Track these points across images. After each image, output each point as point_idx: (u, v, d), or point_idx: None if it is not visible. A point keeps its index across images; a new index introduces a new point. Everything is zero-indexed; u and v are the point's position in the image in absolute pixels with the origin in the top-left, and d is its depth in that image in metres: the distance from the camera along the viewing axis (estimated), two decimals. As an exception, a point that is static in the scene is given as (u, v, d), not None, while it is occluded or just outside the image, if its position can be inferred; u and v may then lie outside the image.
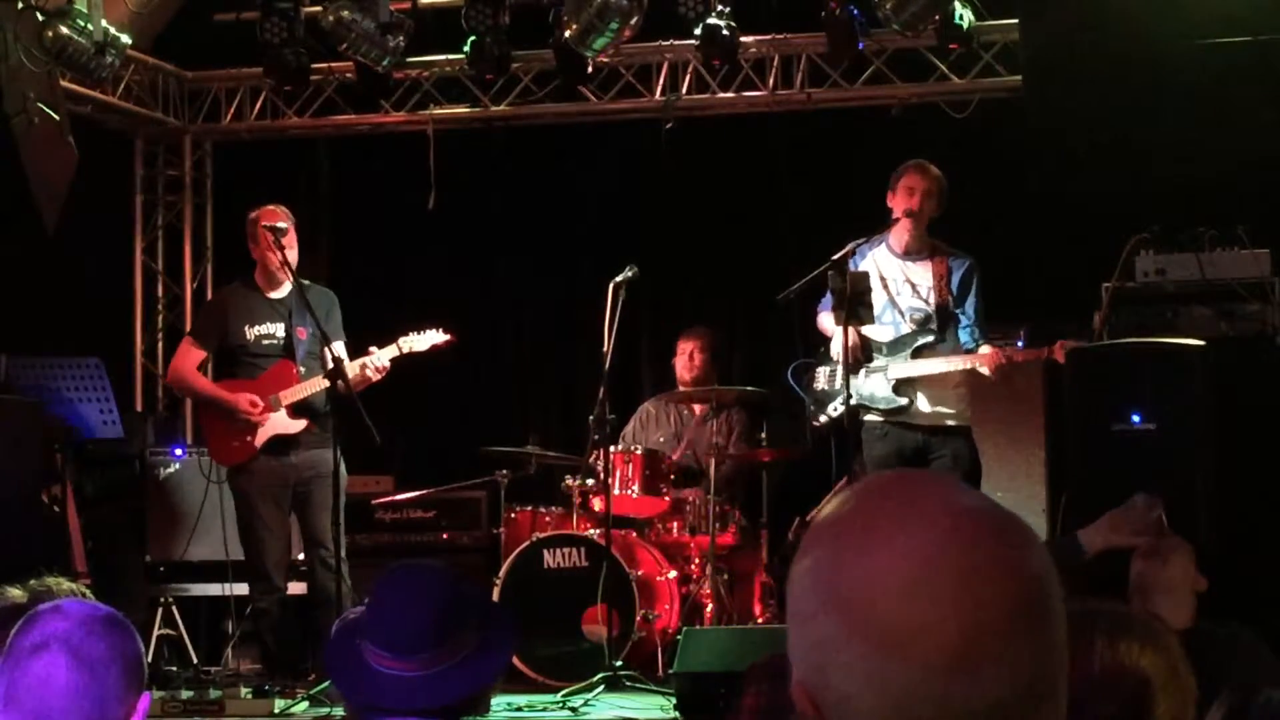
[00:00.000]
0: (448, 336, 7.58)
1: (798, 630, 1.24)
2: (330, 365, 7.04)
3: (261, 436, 7.36)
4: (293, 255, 7.38)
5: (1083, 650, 2.17)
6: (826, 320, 7.31)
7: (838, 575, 1.22)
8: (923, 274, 7.20)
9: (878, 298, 7.17)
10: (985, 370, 6.99)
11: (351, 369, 7.25)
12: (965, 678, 1.18)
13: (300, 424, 7.35)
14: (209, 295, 10.01)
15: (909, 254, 7.22)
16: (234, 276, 7.85)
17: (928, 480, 1.29)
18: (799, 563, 1.26)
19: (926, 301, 7.18)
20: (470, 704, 2.79)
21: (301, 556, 7.73)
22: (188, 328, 9.96)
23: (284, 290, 7.48)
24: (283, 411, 7.34)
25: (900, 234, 7.20)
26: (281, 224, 7.34)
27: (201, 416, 7.70)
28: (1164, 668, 2.19)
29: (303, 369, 7.40)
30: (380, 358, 7.37)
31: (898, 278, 7.21)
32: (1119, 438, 6.26)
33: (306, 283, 7.49)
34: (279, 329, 7.45)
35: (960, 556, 1.20)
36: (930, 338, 7.16)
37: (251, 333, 7.42)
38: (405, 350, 7.47)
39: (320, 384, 7.32)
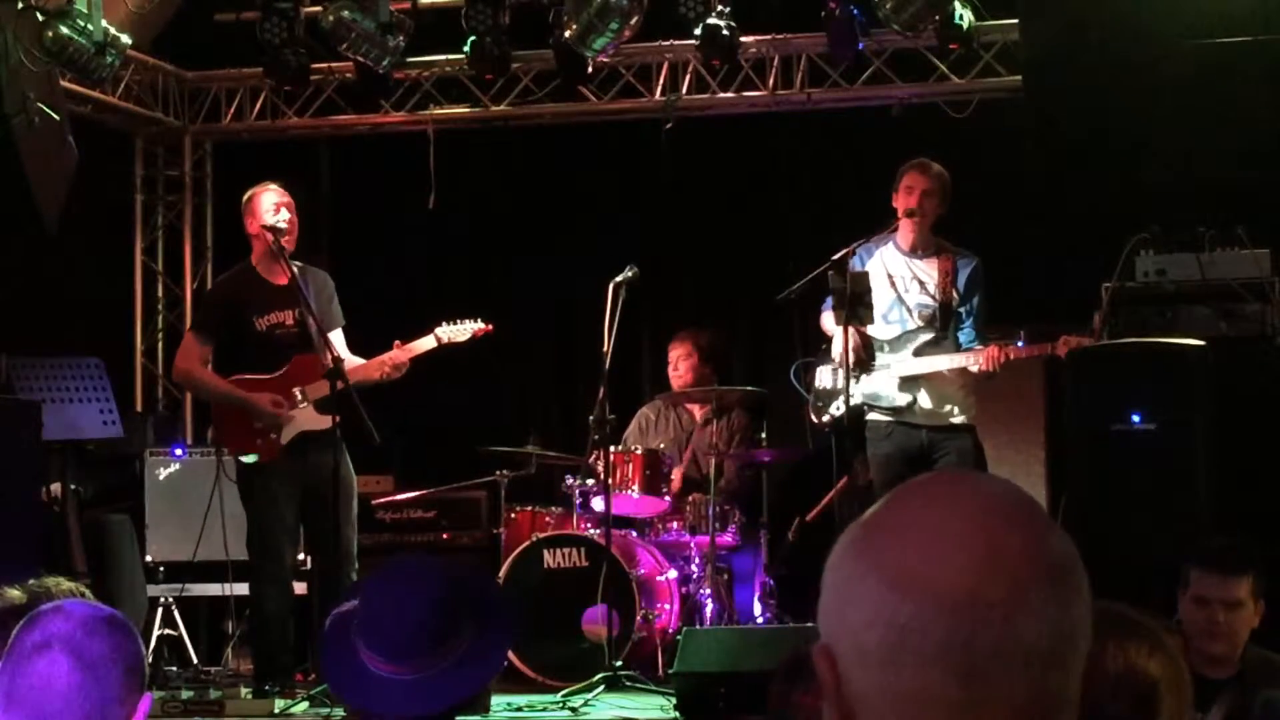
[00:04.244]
0: (487, 325, 7.33)
1: (827, 588, 1.26)
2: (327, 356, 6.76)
3: (288, 434, 7.01)
4: (290, 240, 7.04)
5: (1095, 651, 2.21)
6: (829, 320, 7.30)
7: (866, 530, 1.26)
8: (929, 271, 7.22)
9: (885, 295, 7.17)
10: (984, 365, 6.97)
11: (372, 366, 7.05)
12: (970, 621, 1.19)
13: (328, 420, 6.87)
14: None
15: (916, 252, 7.23)
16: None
17: (961, 471, 1.35)
18: (836, 544, 1.29)
19: (933, 298, 7.18)
20: (467, 705, 2.77)
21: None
22: (188, 326, 9.98)
23: (287, 276, 7.04)
24: (309, 407, 7.01)
25: (906, 233, 7.21)
26: (282, 225, 7.05)
27: (215, 411, 7.31)
28: (1169, 669, 2.26)
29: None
30: (412, 350, 7.09)
31: (905, 275, 7.21)
32: (1119, 438, 6.26)
33: (300, 265, 7.14)
34: (288, 317, 7.09)
35: (986, 513, 1.23)
36: (933, 334, 7.16)
37: (262, 323, 7.06)
38: (445, 341, 7.19)
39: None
